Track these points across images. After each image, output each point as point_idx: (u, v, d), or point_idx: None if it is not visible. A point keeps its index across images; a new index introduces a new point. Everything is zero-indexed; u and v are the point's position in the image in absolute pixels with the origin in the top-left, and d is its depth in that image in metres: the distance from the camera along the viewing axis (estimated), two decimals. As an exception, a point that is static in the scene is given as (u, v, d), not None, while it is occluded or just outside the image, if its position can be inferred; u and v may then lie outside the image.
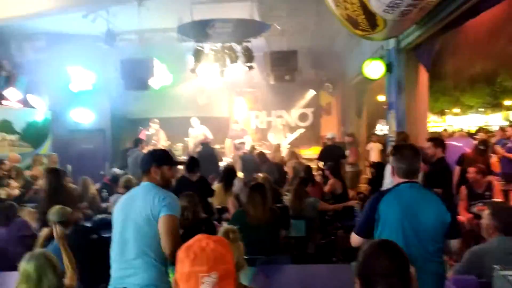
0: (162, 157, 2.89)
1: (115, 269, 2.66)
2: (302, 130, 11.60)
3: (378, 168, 6.55)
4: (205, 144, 9.37)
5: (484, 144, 7.06)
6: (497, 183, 5.71)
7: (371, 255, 1.65)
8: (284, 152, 10.59)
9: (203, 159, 8.78)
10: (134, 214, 2.63)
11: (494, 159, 7.49)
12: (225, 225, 2.63)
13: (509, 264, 1.77)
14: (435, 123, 22.47)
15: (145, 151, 8.81)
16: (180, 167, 6.40)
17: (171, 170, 2.87)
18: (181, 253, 1.36)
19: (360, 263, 1.65)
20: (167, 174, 2.81)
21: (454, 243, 2.38)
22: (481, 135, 10.01)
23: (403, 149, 2.65)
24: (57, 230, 3.41)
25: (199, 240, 1.37)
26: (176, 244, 2.41)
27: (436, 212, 2.39)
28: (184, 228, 3.97)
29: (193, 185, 5.11)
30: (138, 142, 8.78)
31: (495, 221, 2.54)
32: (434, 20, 5.54)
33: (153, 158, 2.87)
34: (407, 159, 2.51)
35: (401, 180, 2.50)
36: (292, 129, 13.12)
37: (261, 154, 8.92)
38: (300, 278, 3.55)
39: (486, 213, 2.65)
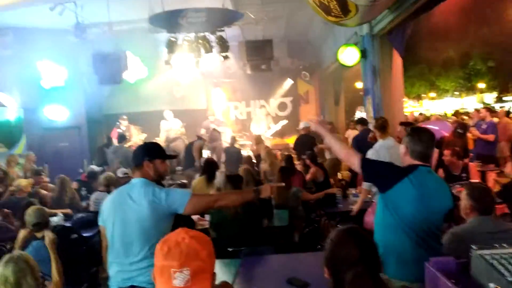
0: (155, 150, 2.80)
1: (119, 271, 2.58)
2: (285, 122, 11.61)
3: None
4: (199, 138, 9.29)
5: (462, 127, 7.19)
6: (473, 165, 5.83)
7: (338, 243, 1.62)
8: (267, 142, 10.56)
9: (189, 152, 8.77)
10: (135, 214, 2.54)
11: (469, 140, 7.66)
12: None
13: (487, 244, 1.79)
14: (412, 108, 22.87)
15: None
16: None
17: (164, 163, 2.78)
18: (157, 246, 1.34)
19: (327, 252, 1.63)
20: (160, 168, 2.73)
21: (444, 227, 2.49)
22: (454, 119, 10.20)
23: (421, 131, 2.61)
24: (49, 235, 3.38)
25: (176, 234, 1.35)
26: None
27: (447, 198, 2.47)
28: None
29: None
30: (122, 138, 8.67)
31: (472, 202, 2.57)
32: (405, 4, 5.58)
33: (145, 151, 2.78)
34: (425, 142, 2.49)
35: (416, 162, 2.48)
36: (274, 119, 13.11)
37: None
38: (285, 267, 3.54)
39: (463, 193, 2.68)
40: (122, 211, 2.59)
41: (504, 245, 1.75)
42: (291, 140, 12.95)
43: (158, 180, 2.75)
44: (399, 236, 2.42)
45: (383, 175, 2.51)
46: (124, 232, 2.56)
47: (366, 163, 2.56)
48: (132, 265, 2.53)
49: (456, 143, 6.49)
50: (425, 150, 2.49)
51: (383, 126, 5.10)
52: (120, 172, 6.26)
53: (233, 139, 9.67)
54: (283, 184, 2.80)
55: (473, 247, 1.74)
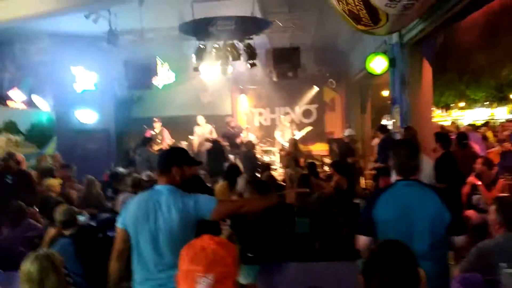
0: (183, 156, 2.80)
1: (147, 279, 2.56)
2: (309, 128, 11.54)
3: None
4: (215, 143, 9.35)
5: (465, 138, 6.92)
6: (502, 179, 5.64)
7: (374, 253, 1.67)
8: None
9: (213, 157, 8.85)
10: (166, 223, 2.53)
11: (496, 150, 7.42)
12: (224, 233, 2.67)
13: (515, 261, 1.74)
14: (440, 117, 22.33)
15: (152, 150, 8.90)
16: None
17: (191, 169, 2.81)
18: (183, 250, 1.36)
19: (365, 260, 1.69)
20: (187, 173, 2.74)
21: (459, 240, 2.29)
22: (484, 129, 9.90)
23: (400, 145, 2.60)
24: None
25: (201, 240, 1.36)
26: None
27: (432, 211, 2.31)
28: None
29: (186, 183, 5.08)
30: (146, 141, 8.79)
31: (500, 217, 2.49)
32: (437, 13, 5.48)
33: (174, 157, 2.78)
34: (402, 156, 2.44)
35: (398, 177, 2.43)
36: (298, 126, 13.02)
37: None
38: (305, 275, 3.53)
39: (492, 208, 2.61)
40: (152, 220, 2.56)
41: (534, 263, 1.70)
42: (316, 147, 12.89)
43: (182, 185, 2.73)
44: None
45: (363, 217, 2.49)
46: (154, 240, 2.54)
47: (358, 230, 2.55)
48: (162, 273, 2.52)
49: (460, 155, 6.11)
50: (404, 163, 2.42)
51: (413, 137, 5.04)
52: (145, 176, 6.33)
53: (250, 145, 9.63)
54: (307, 189, 2.79)
55: (503, 265, 1.69)
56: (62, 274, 2.60)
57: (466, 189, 5.23)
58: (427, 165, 3.96)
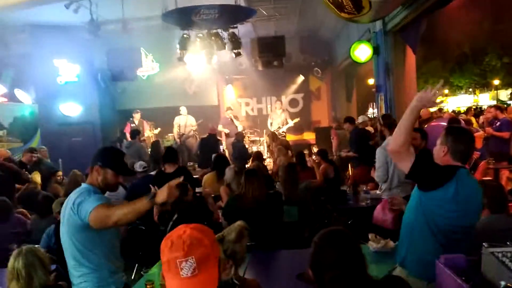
0: (111, 159, 2.55)
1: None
2: (297, 119, 11.60)
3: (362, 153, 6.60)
4: (210, 135, 9.32)
5: (457, 122, 7.06)
6: (483, 162, 5.76)
7: (319, 245, 1.64)
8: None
9: (206, 149, 8.83)
10: (62, 224, 2.44)
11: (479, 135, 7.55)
12: (239, 222, 2.56)
13: (499, 242, 1.79)
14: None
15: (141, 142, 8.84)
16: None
17: (116, 177, 2.53)
18: (161, 244, 1.36)
19: (311, 254, 1.65)
20: (110, 180, 2.50)
21: None
22: (464, 117, 10.06)
23: (463, 131, 2.48)
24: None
25: (177, 229, 1.37)
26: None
27: (480, 201, 2.35)
28: (178, 218, 3.99)
29: (169, 177, 5.02)
30: (135, 134, 8.71)
31: (484, 200, 2.55)
32: (419, 0, 5.52)
33: (100, 155, 2.54)
34: (468, 142, 2.37)
35: (454, 163, 2.34)
36: (290, 114, 12.97)
37: None
38: (295, 262, 3.56)
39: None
40: (62, 216, 2.48)
41: (515, 243, 1.75)
42: (302, 137, 12.96)
43: (105, 190, 2.54)
44: (425, 236, 2.36)
45: (431, 175, 2.34)
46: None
47: (419, 165, 2.35)
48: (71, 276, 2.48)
49: None
50: (468, 150, 2.38)
51: (392, 124, 5.07)
52: (139, 166, 6.19)
53: (240, 135, 9.66)
54: (181, 179, 2.31)
55: (485, 244, 1.74)
56: (49, 268, 2.59)
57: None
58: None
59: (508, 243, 1.75)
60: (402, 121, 2.42)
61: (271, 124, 11.51)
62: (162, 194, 2.25)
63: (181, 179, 2.33)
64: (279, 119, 11.40)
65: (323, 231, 1.70)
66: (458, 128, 2.63)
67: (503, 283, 1.48)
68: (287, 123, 11.28)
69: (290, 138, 12.37)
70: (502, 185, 3.34)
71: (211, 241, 1.35)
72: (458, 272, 1.73)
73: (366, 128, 8.42)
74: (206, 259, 1.30)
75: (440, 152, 2.39)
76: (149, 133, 10.88)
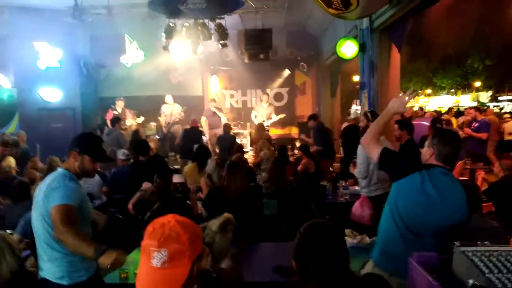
0: (89, 145, 2.54)
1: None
2: (283, 115, 11.60)
3: (350, 148, 6.64)
4: (193, 127, 9.25)
5: (439, 122, 7.20)
6: (460, 162, 5.87)
7: (303, 236, 1.65)
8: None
9: (188, 140, 8.78)
10: (39, 205, 2.42)
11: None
12: (226, 214, 2.53)
13: (469, 241, 1.82)
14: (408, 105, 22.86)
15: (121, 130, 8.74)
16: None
17: (93, 164, 2.52)
18: (147, 227, 1.36)
19: (296, 244, 1.66)
20: (87, 166, 2.50)
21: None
22: (447, 116, 10.25)
23: (449, 133, 2.49)
24: None
25: (165, 217, 1.37)
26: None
27: (457, 207, 2.28)
28: (159, 207, 3.97)
29: (145, 165, 5.27)
30: (115, 121, 8.60)
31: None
32: (406, -1, 5.56)
33: (78, 141, 2.54)
34: (454, 145, 2.37)
35: (437, 164, 2.37)
36: (275, 109, 12.95)
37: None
38: (272, 255, 3.59)
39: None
40: (35, 200, 2.47)
41: (487, 242, 1.78)
42: (286, 131, 12.98)
43: (81, 176, 2.54)
44: (390, 226, 2.42)
45: (398, 164, 2.45)
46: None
47: (385, 153, 2.49)
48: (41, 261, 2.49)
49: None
50: (453, 153, 2.39)
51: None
52: (122, 154, 6.16)
53: (227, 127, 9.64)
54: (125, 257, 2.26)
55: (456, 243, 1.76)
56: (19, 255, 2.53)
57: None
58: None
59: (478, 242, 1.77)
60: (376, 121, 2.67)
61: (255, 116, 11.50)
62: (108, 258, 2.18)
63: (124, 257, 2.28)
64: (265, 112, 11.39)
65: (308, 222, 1.71)
66: (444, 131, 2.70)
67: (471, 281, 1.50)
68: (271, 118, 11.28)
69: (274, 132, 12.41)
70: (477, 185, 3.41)
71: (191, 238, 1.33)
72: (429, 270, 1.75)
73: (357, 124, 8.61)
74: (180, 255, 1.29)
75: (426, 155, 2.44)
76: (132, 121, 10.74)
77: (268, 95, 12.21)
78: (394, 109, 2.55)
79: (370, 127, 2.65)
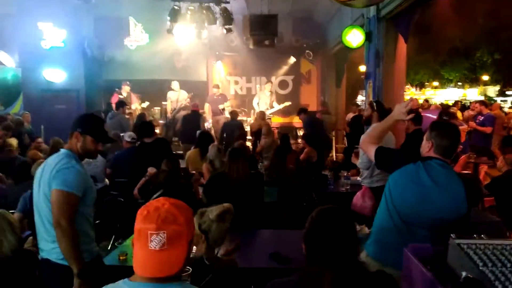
0: (91, 126, 2.55)
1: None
2: (288, 103, 11.53)
3: (354, 138, 6.62)
4: (193, 111, 9.23)
5: (447, 114, 7.16)
6: (463, 156, 5.84)
7: (315, 222, 1.64)
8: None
9: (188, 125, 8.77)
10: (43, 185, 2.41)
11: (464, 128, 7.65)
12: (226, 204, 2.53)
13: (469, 234, 1.81)
14: (414, 96, 22.72)
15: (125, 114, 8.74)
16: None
17: (95, 144, 2.53)
18: (138, 211, 1.37)
19: (306, 228, 1.65)
20: (89, 146, 2.51)
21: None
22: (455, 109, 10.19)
23: (447, 126, 2.47)
24: None
25: (157, 201, 1.38)
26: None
27: (454, 199, 2.28)
28: (164, 191, 3.97)
29: (149, 146, 5.30)
30: (120, 105, 8.59)
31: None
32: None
33: (80, 122, 2.55)
34: (452, 137, 2.37)
35: (435, 156, 2.36)
36: (277, 96, 12.89)
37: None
38: (270, 242, 3.61)
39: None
40: (36, 184, 2.47)
41: (483, 236, 1.77)
42: (290, 120, 12.92)
43: (84, 157, 2.56)
44: (384, 216, 2.43)
45: (394, 158, 2.47)
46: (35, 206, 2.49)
47: (380, 151, 2.53)
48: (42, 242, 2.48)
49: None
50: (452, 145, 2.37)
51: (384, 112, 5.08)
52: (128, 136, 6.14)
53: (234, 113, 9.58)
54: None
55: (452, 235, 1.75)
56: (19, 233, 2.56)
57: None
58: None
59: (474, 235, 1.77)
60: (378, 125, 2.79)
61: (257, 103, 11.44)
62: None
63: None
64: (267, 100, 11.33)
65: (320, 208, 1.70)
66: (442, 123, 2.66)
67: (464, 273, 1.50)
68: (273, 106, 11.22)
69: (277, 120, 12.37)
70: (478, 179, 3.39)
71: (187, 220, 1.35)
72: (424, 261, 1.75)
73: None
74: (178, 237, 1.30)
75: (425, 148, 2.43)
76: (138, 105, 10.72)
77: (272, 83, 12.12)
78: (396, 116, 2.59)
79: (370, 130, 2.70)
